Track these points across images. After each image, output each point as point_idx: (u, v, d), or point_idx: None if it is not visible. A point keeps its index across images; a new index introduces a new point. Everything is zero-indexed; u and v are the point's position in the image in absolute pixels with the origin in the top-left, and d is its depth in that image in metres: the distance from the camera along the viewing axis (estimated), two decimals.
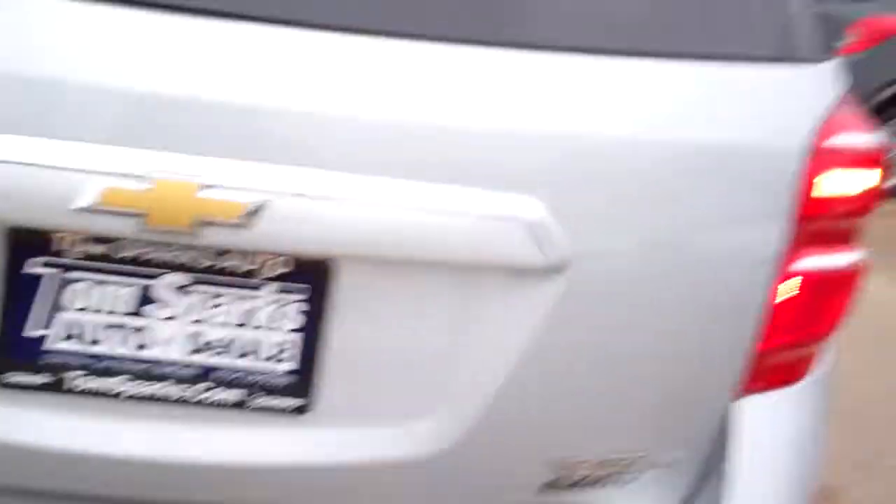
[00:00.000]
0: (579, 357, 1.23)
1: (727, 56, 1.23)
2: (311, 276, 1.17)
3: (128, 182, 1.08)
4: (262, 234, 1.10)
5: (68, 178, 1.07)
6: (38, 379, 1.17)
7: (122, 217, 1.08)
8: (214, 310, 1.17)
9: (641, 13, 1.23)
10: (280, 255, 1.15)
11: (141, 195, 1.08)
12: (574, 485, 1.31)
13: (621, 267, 1.20)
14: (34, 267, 1.14)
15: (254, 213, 1.09)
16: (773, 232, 1.23)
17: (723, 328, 1.27)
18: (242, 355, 1.19)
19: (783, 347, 1.31)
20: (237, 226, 1.09)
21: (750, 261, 1.24)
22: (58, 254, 1.14)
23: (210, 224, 1.09)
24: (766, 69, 1.25)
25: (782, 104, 1.24)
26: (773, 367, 1.33)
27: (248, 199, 1.09)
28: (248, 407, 1.20)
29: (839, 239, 1.32)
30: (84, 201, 1.07)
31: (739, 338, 1.28)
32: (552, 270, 1.18)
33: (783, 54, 1.26)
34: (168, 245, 1.13)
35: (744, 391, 1.32)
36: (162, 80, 1.09)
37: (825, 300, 1.32)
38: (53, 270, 1.15)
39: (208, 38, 1.11)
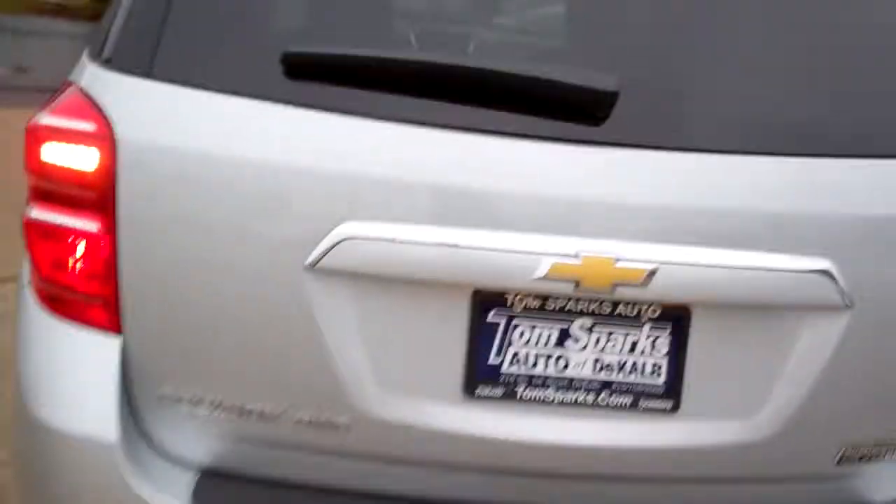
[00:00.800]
0: (864, 370, 1.74)
1: None
2: (676, 317, 1.70)
3: (567, 260, 1.63)
4: (651, 290, 1.65)
5: (530, 258, 1.63)
6: (497, 392, 1.72)
7: (563, 282, 1.63)
8: (610, 343, 1.72)
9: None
10: (654, 303, 1.69)
11: (577, 268, 1.63)
12: (859, 459, 1.82)
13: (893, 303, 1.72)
14: (492, 317, 1.71)
15: (650, 276, 1.64)
16: None
17: None
18: (631, 373, 1.73)
19: None
20: (638, 285, 1.64)
21: None
22: (508, 307, 1.70)
23: (622, 285, 1.64)
24: None
25: None
26: None
27: (646, 268, 1.64)
28: (637, 408, 1.74)
29: None
30: (540, 273, 1.63)
31: None
32: (843, 308, 1.70)
33: None
34: (583, 300, 1.68)
35: None
36: (580, 191, 1.64)
37: None
38: (504, 318, 1.70)
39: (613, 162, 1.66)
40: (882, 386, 1.77)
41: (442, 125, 1.65)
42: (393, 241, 1.64)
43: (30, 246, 1.79)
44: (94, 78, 1.75)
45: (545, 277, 1.63)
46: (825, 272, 1.68)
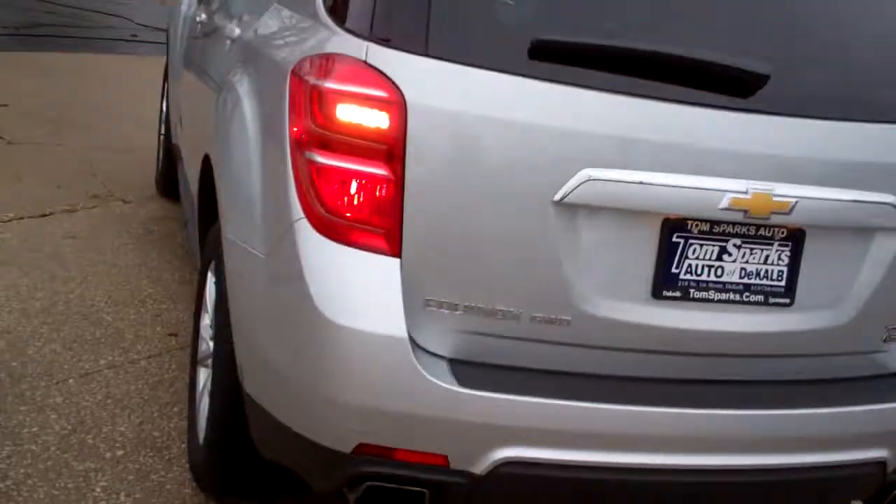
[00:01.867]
0: None
1: None
2: (796, 237, 2.41)
3: (741, 195, 2.29)
4: (790, 217, 2.34)
5: (718, 195, 2.28)
6: (676, 294, 2.37)
7: (737, 212, 2.30)
8: (752, 255, 2.40)
9: None
10: (784, 226, 2.39)
11: (748, 200, 2.30)
12: (893, 339, 2.59)
13: None
14: (675, 238, 2.35)
15: (793, 207, 2.33)
16: None
17: None
18: (763, 278, 2.41)
19: None
20: (785, 213, 2.33)
21: None
22: (688, 231, 2.34)
23: (775, 213, 2.32)
24: None
25: None
26: None
27: (791, 201, 2.32)
28: (766, 304, 2.43)
29: None
30: (724, 204, 2.29)
31: None
32: None
33: None
34: (738, 224, 2.35)
35: None
36: (746, 146, 2.31)
37: None
38: (683, 239, 2.35)
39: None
40: None
41: (653, 97, 2.27)
42: (618, 181, 2.25)
43: (313, 186, 2.26)
44: (377, 53, 2.23)
45: (727, 208, 2.29)
46: (891, 204, 2.43)
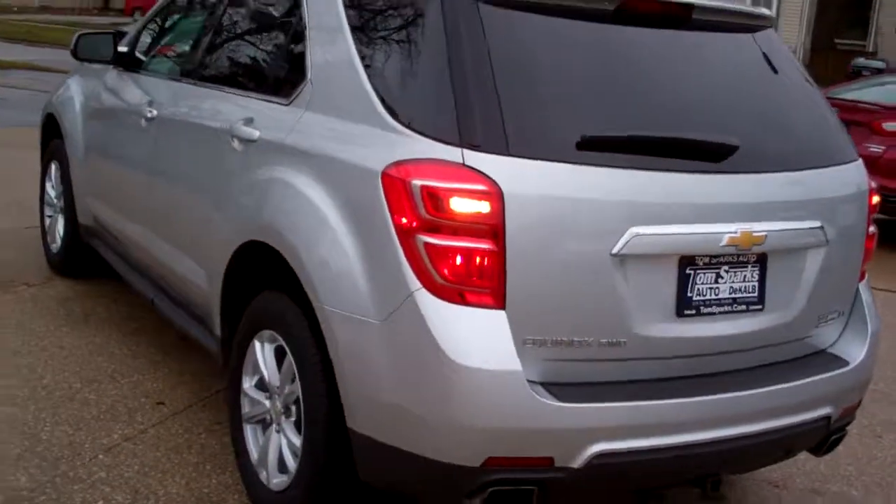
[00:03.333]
0: (830, 278, 3.46)
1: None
2: (762, 260, 3.29)
3: (734, 236, 3.15)
4: (761, 246, 3.22)
5: (719, 236, 3.12)
6: (693, 312, 3.18)
7: (731, 247, 3.15)
8: (735, 276, 3.26)
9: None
10: (755, 254, 3.26)
11: (740, 238, 3.15)
12: (826, 323, 3.53)
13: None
14: (687, 270, 3.17)
15: (765, 239, 3.21)
16: None
17: (854, 257, 3.56)
18: (742, 292, 3.28)
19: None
20: (760, 244, 3.20)
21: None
22: (695, 264, 3.17)
23: (755, 245, 3.19)
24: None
25: None
26: (861, 273, 3.65)
27: (764, 234, 3.20)
28: (748, 310, 3.30)
29: None
30: (723, 243, 3.13)
31: (857, 261, 3.58)
32: (825, 244, 3.40)
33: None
34: (727, 255, 3.20)
35: (858, 280, 3.63)
36: (730, 198, 3.17)
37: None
38: (693, 271, 3.18)
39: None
40: (837, 286, 3.51)
41: (667, 170, 3.09)
42: (653, 234, 3.05)
43: (430, 262, 2.90)
44: (472, 157, 2.91)
45: (725, 244, 3.14)
46: (820, 227, 3.36)
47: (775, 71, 3.65)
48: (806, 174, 3.41)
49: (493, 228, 2.89)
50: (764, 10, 3.80)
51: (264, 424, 3.70)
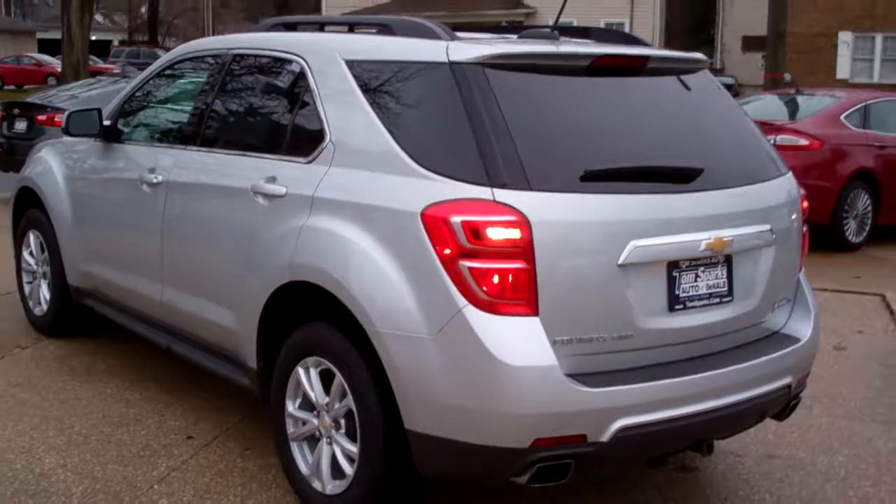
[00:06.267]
0: (780, 269, 4.22)
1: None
2: (728, 260, 4.02)
3: (709, 241, 3.86)
4: (728, 250, 3.95)
5: (698, 243, 3.83)
6: (681, 306, 3.87)
7: (707, 251, 3.87)
8: (709, 275, 3.97)
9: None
10: (722, 255, 3.99)
11: (713, 244, 3.87)
12: (778, 308, 4.29)
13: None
14: (674, 273, 3.87)
15: (732, 242, 3.94)
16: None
17: (795, 252, 4.34)
18: (715, 287, 3.99)
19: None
20: (729, 247, 3.93)
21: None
22: (680, 267, 3.87)
23: (726, 248, 3.92)
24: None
25: None
26: (800, 265, 4.42)
27: (731, 239, 3.93)
28: (721, 302, 4.00)
29: None
30: (701, 248, 3.85)
31: (797, 256, 4.35)
32: (774, 242, 4.17)
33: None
34: (703, 258, 3.92)
35: (797, 271, 4.40)
36: (705, 210, 3.90)
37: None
38: (678, 273, 3.88)
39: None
40: (784, 277, 4.27)
41: (654, 192, 3.79)
42: (648, 245, 3.74)
43: (474, 282, 3.53)
44: (501, 194, 3.56)
45: (703, 250, 3.85)
46: (769, 230, 4.12)
47: (716, 103, 4.41)
48: (755, 187, 4.16)
49: (525, 251, 3.54)
50: (699, 55, 4.56)
51: (311, 440, 4.24)
